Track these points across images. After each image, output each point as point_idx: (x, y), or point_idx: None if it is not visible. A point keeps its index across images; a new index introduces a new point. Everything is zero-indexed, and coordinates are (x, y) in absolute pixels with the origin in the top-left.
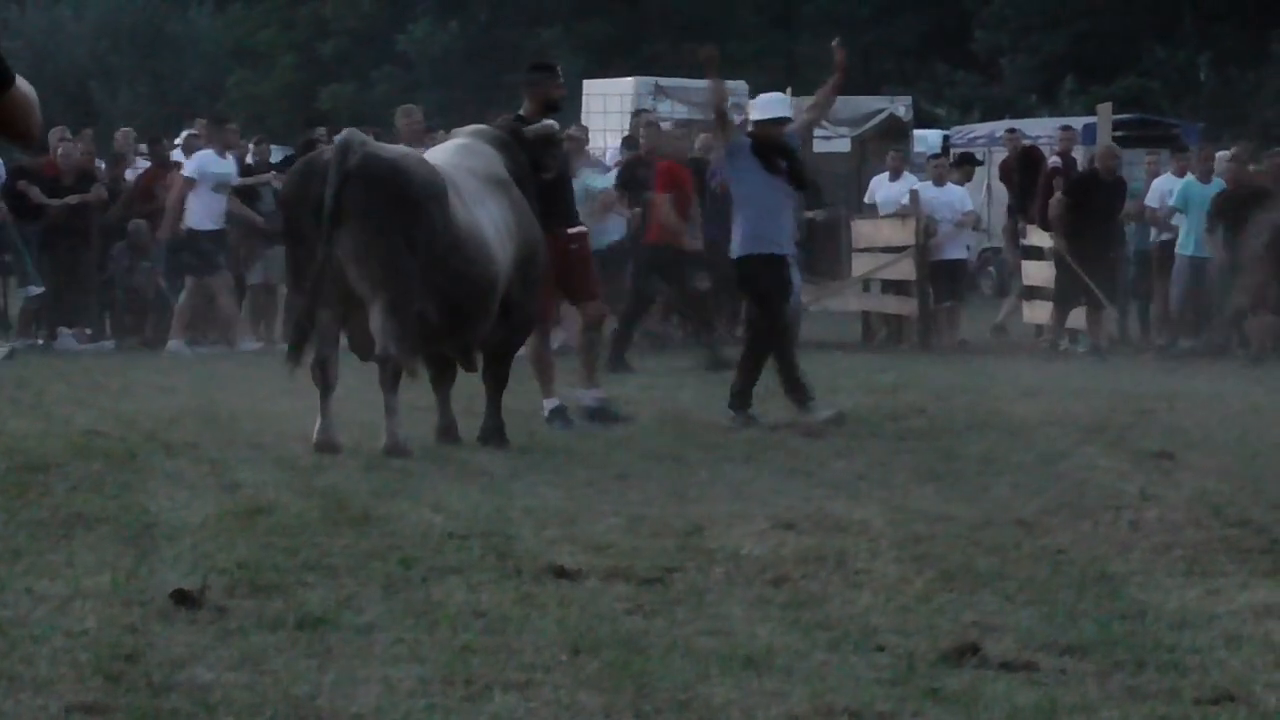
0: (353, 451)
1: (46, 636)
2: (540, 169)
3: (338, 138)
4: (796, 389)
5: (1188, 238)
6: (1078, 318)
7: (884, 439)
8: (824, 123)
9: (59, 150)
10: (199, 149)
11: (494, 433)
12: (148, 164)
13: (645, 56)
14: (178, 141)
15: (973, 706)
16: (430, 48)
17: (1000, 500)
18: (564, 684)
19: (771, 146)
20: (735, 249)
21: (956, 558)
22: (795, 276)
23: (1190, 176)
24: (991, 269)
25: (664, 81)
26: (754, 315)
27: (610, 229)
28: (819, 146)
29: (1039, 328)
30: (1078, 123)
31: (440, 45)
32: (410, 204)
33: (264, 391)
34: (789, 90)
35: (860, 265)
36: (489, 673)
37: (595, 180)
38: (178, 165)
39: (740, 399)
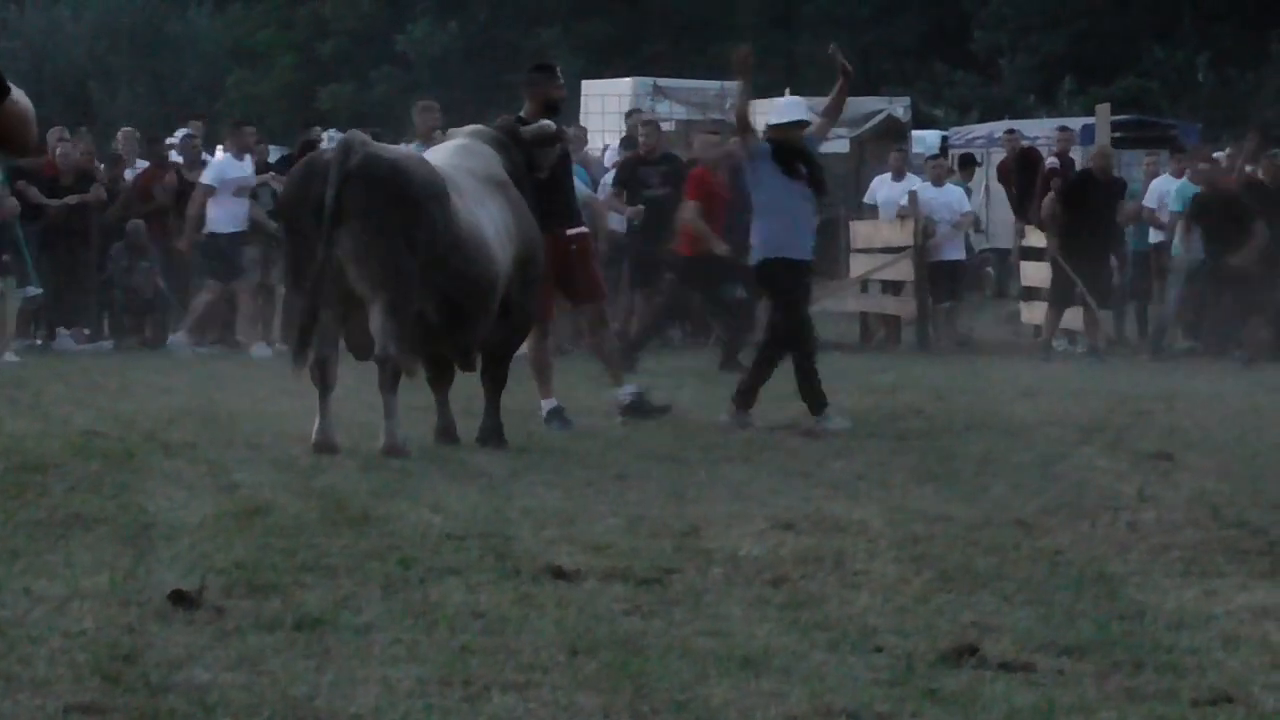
0: (351, 452)
1: (44, 637)
2: (535, 168)
3: (340, 138)
4: (813, 396)
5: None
6: (1076, 319)
7: (882, 439)
8: None
9: (57, 150)
10: (191, 149)
11: (492, 433)
12: (146, 164)
13: (644, 57)
14: (171, 140)
15: (971, 707)
16: (429, 48)
17: (999, 501)
18: (562, 684)
19: (791, 151)
20: (756, 254)
21: (955, 558)
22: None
23: (1188, 178)
24: (990, 270)
25: (663, 82)
26: (775, 319)
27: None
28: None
29: (1037, 328)
30: (1076, 123)
31: (439, 45)
32: (411, 204)
33: (262, 392)
34: (787, 91)
35: (858, 266)
36: (487, 673)
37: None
38: (175, 165)
39: (744, 397)
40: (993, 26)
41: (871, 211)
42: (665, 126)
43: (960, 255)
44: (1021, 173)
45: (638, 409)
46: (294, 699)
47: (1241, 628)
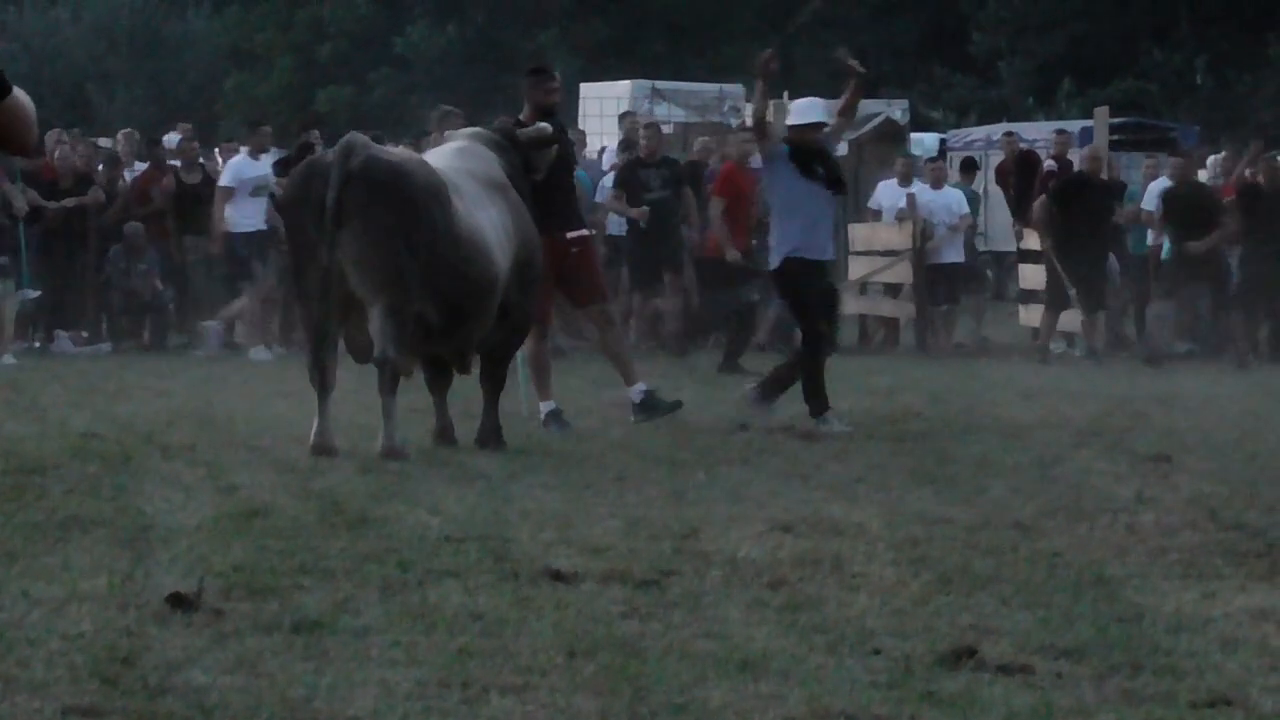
0: (349, 454)
1: (42, 639)
2: (531, 171)
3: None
4: (816, 398)
5: None
6: (1074, 322)
7: (880, 442)
8: None
9: (56, 153)
10: (189, 153)
11: (491, 435)
12: (144, 166)
13: (643, 59)
14: (168, 141)
15: (969, 709)
16: (428, 50)
17: (997, 503)
18: (560, 687)
19: (808, 152)
20: (774, 256)
21: (953, 560)
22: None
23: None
24: (988, 272)
25: (661, 85)
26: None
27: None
28: None
29: (1035, 330)
30: (1075, 126)
31: (438, 48)
32: (412, 206)
33: (260, 394)
34: (785, 95)
35: (857, 268)
36: (486, 675)
37: None
38: (174, 169)
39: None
40: (991, 29)
41: (875, 215)
42: (664, 129)
43: (959, 258)
44: (1020, 175)
45: (650, 407)
46: (292, 701)
47: (1240, 630)
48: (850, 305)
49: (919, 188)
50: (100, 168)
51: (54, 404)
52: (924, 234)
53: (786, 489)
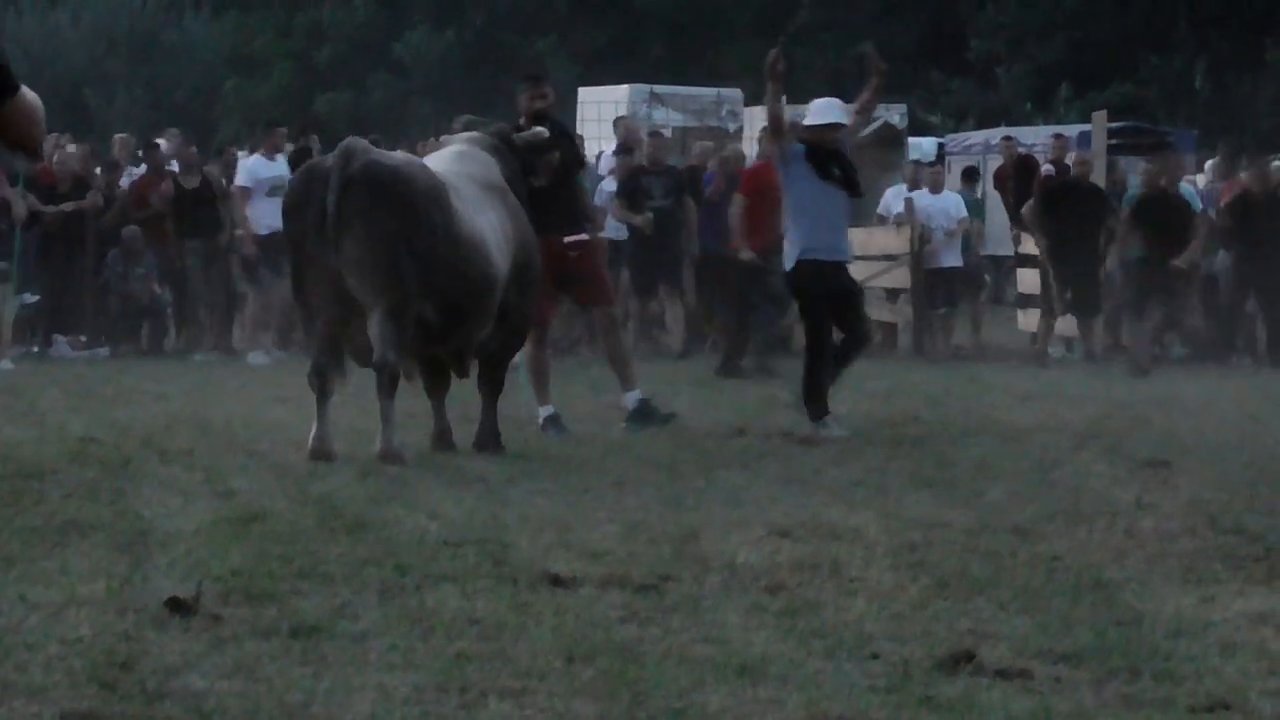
0: (347, 459)
1: (40, 644)
2: (530, 174)
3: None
4: (817, 402)
5: None
6: (1072, 326)
7: (878, 446)
8: None
9: (54, 157)
10: (187, 156)
11: (489, 439)
12: (142, 170)
13: (641, 64)
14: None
15: (968, 714)
16: (426, 55)
17: (995, 507)
18: (559, 692)
19: (825, 153)
20: (788, 257)
21: (951, 565)
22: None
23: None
24: (986, 276)
25: (659, 89)
26: (850, 322)
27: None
28: None
29: (1033, 335)
30: (1073, 130)
31: (436, 52)
32: (413, 210)
33: (258, 398)
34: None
35: (855, 272)
36: (484, 680)
37: None
38: (172, 173)
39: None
40: (989, 34)
41: (883, 221)
42: (665, 133)
43: (957, 262)
44: (1019, 180)
45: (643, 416)
46: (290, 706)
47: (1239, 634)
48: None
49: (917, 192)
50: (99, 172)
51: (52, 408)
52: (922, 238)
53: (785, 493)
